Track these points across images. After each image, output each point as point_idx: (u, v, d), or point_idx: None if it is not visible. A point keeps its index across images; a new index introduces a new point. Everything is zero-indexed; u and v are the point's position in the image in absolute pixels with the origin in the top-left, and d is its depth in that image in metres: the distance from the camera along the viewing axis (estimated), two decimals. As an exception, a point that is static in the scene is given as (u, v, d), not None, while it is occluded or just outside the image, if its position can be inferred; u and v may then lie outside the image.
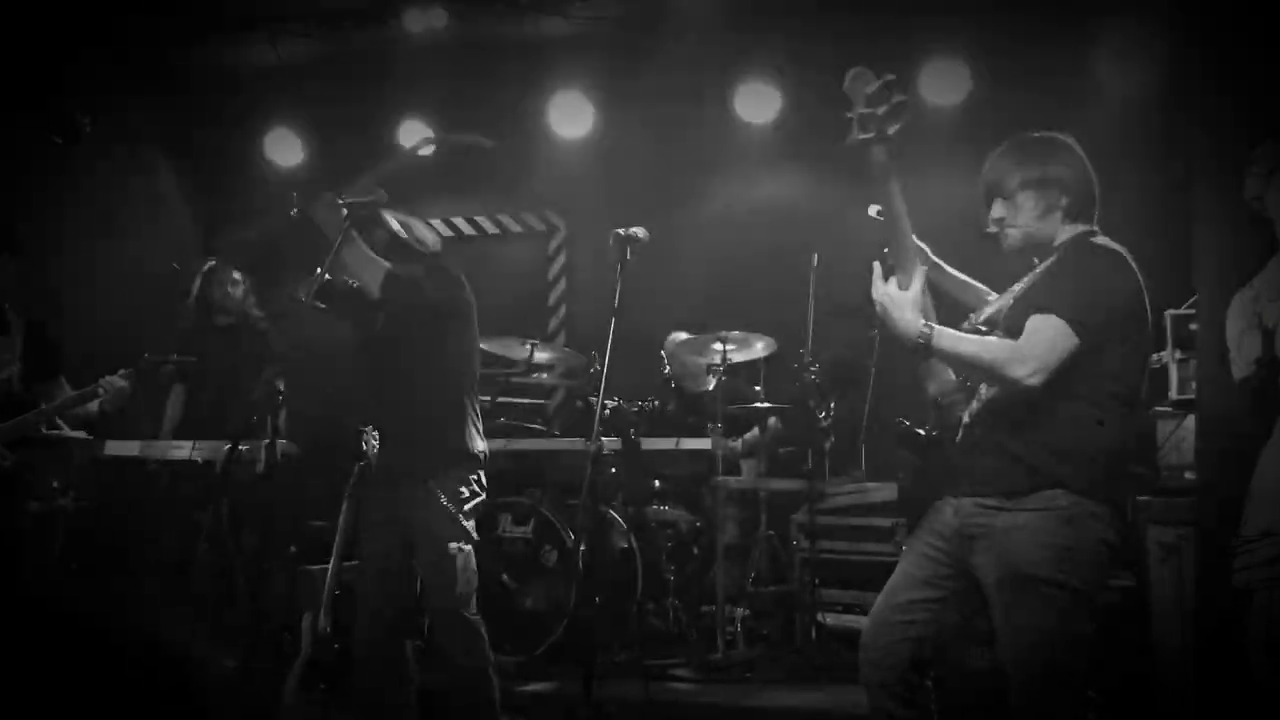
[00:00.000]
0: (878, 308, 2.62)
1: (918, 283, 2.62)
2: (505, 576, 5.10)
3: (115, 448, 5.47)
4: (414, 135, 6.74)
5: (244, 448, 5.05)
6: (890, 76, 2.49)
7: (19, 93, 6.25)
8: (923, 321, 2.58)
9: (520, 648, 4.95)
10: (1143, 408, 2.75)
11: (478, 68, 6.77)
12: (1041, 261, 2.79)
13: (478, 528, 5.12)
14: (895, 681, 2.75)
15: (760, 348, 5.38)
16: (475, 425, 3.81)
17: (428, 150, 4.48)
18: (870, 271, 2.65)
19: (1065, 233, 2.77)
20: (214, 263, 5.66)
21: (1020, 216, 2.77)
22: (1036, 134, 2.84)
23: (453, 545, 3.63)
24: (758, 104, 6.52)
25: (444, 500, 3.61)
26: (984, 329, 2.76)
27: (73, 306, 6.05)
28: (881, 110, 2.48)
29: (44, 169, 6.57)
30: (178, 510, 5.81)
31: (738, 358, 5.38)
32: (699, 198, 6.84)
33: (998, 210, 2.80)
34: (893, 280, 2.63)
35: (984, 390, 2.73)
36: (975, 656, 3.75)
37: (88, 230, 6.63)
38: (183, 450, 5.66)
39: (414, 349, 3.67)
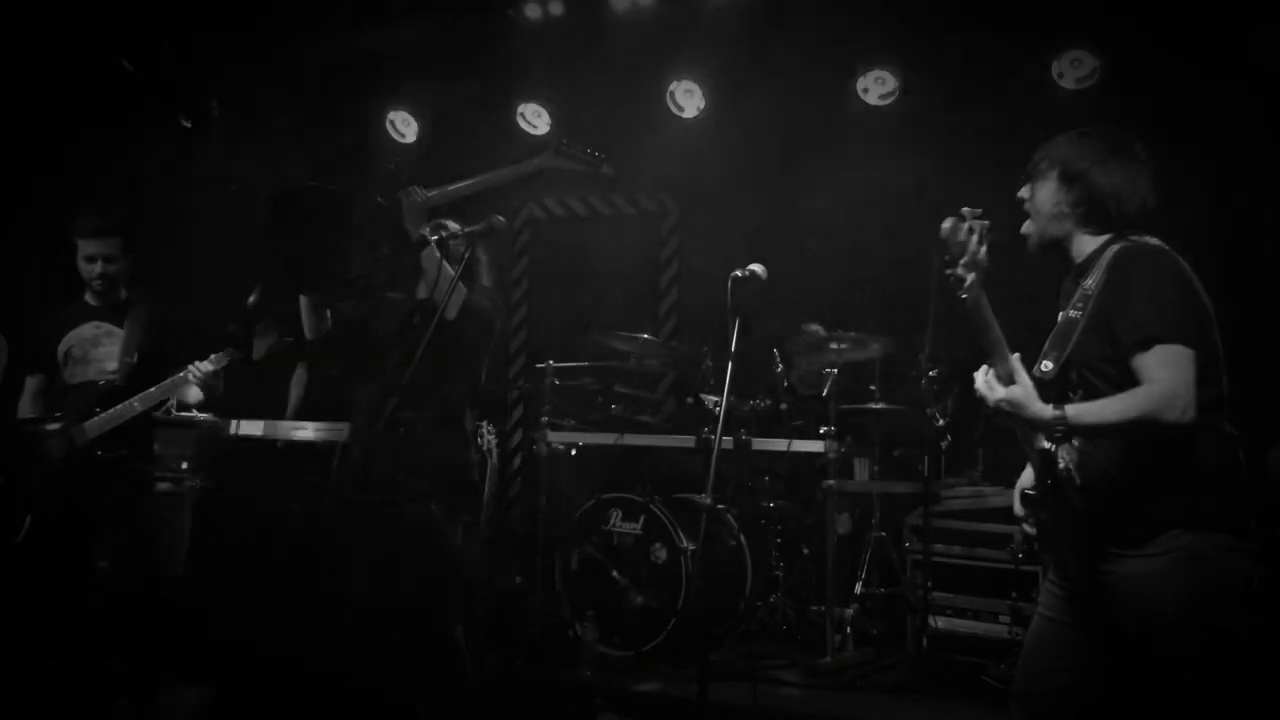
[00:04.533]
0: (1004, 410, 2.58)
1: (1021, 372, 2.59)
2: (615, 572, 5.15)
3: (240, 428, 5.66)
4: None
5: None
6: (976, 210, 2.51)
7: (148, 78, 6.47)
8: (1051, 407, 2.54)
9: (629, 643, 5.01)
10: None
11: (593, 49, 6.74)
12: (1080, 278, 2.68)
13: (586, 519, 5.24)
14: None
15: (876, 348, 5.29)
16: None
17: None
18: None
19: (1091, 243, 2.70)
20: None
21: (1035, 201, 2.76)
22: (1097, 129, 2.76)
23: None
24: (875, 87, 6.35)
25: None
26: (1072, 373, 2.68)
27: (199, 290, 6.25)
28: (973, 247, 2.50)
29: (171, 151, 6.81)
30: (301, 490, 6.01)
31: (853, 357, 5.30)
32: (813, 185, 6.69)
33: (1024, 190, 2.79)
34: (998, 385, 2.61)
35: (1076, 440, 2.63)
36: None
37: (211, 209, 6.83)
38: (305, 431, 5.85)
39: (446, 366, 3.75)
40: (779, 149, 6.71)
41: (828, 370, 5.22)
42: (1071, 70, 5.84)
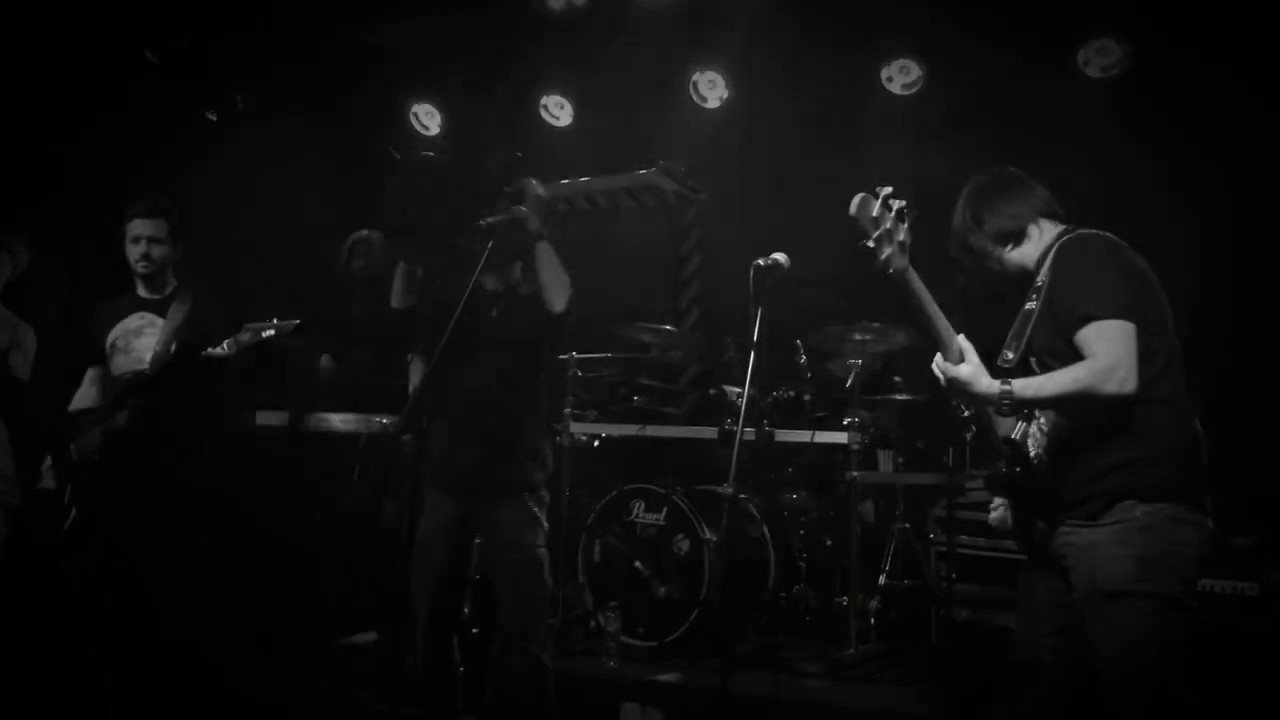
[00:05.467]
0: (955, 388, 2.66)
1: (970, 351, 2.66)
2: (638, 563, 5.15)
3: (264, 418, 5.68)
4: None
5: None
6: (888, 189, 2.52)
7: (176, 70, 6.50)
8: (999, 383, 2.63)
9: (651, 634, 5.02)
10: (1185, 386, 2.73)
11: (616, 39, 6.72)
12: (1035, 275, 2.84)
13: (609, 510, 5.24)
14: (1053, 705, 2.80)
15: (901, 338, 5.26)
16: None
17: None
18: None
19: (1039, 245, 2.86)
20: (363, 234, 5.68)
21: (998, 263, 2.93)
22: (959, 201, 2.98)
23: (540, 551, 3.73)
24: (900, 76, 6.31)
25: (534, 509, 3.73)
26: (1032, 360, 2.79)
27: (223, 276, 6.28)
28: (889, 224, 2.50)
29: (200, 143, 6.84)
30: (323, 479, 6.03)
31: (876, 348, 5.27)
32: (837, 175, 6.65)
33: (986, 269, 2.97)
34: (947, 364, 2.68)
35: (1043, 421, 2.76)
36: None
37: (236, 201, 6.85)
38: (329, 421, 5.86)
39: (533, 361, 3.75)
40: (802, 138, 6.67)
41: (850, 358, 5.20)
42: (1098, 58, 5.76)
